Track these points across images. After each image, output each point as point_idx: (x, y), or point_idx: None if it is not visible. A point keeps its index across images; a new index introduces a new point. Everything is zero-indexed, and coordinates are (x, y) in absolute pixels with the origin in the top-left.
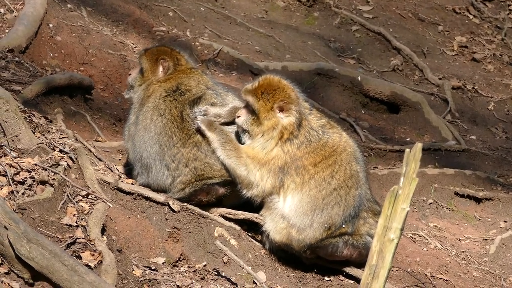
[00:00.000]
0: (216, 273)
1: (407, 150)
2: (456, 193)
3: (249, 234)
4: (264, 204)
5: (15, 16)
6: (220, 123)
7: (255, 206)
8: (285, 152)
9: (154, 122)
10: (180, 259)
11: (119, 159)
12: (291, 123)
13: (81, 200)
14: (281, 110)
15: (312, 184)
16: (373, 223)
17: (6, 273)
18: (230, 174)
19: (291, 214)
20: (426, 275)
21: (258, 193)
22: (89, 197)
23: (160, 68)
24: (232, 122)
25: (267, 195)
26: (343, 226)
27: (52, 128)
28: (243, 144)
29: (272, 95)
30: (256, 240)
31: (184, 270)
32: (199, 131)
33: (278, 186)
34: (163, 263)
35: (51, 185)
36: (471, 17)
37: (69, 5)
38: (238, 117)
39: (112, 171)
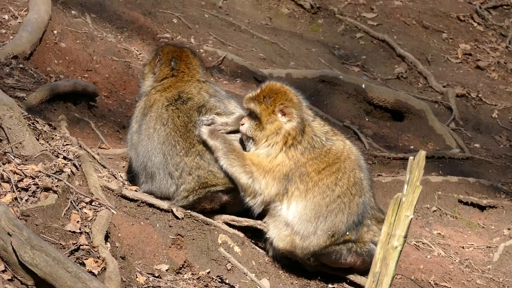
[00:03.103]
0: (219, 280)
1: (411, 157)
2: (460, 201)
3: (252, 241)
4: (267, 212)
5: (19, 22)
6: (227, 131)
7: (254, 216)
8: (289, 158)
9: (157, 132)
10: (184, 266)
11: (123, 166)
12: (293, 128)
13: (85, 207)
14: (283, 114)
15: (316, 191)
16: (377, 231)
17: (10, 280)
18: (234, 183)
19: (294, 221)
20: (429, 282)
21: (262, 201)
22: (93, 204)
23: (158, 65)
24: (238, 131)
25: (270, 203)
26: (347, 233)
27: (56, 135)
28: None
29: (274, 98)
30: (260, 247)
31: (187, 277)
32: (202, 141)
33: (282, 194)
34: (166, 270)
35: (55, 192)
36: (475, 24)
37: (73, 12)
38: (242, 124)
39: (116, 178)
